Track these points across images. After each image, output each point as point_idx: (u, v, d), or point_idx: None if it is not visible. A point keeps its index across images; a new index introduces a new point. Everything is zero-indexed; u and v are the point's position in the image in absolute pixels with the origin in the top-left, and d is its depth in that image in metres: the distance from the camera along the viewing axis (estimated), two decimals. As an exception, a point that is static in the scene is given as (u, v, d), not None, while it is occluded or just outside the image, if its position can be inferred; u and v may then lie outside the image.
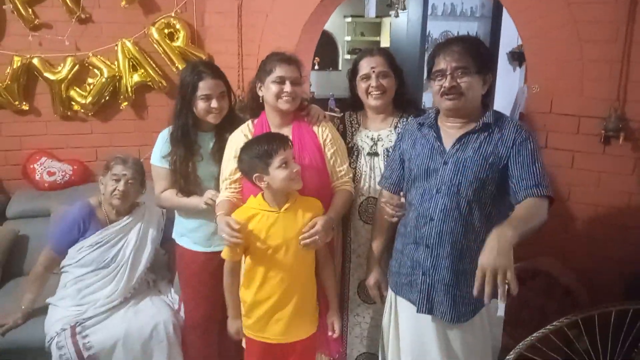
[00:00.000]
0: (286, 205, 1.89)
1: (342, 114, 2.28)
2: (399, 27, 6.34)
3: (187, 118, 2.17)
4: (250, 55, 3.31)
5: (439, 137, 1.77)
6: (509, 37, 5.84)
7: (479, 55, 1.70)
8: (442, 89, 1.71)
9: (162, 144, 2.25)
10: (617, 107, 2.36)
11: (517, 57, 5.77)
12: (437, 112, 1.84)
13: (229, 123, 2.19)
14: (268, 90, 1.98)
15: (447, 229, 1.71)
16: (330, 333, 2.02)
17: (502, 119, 1.74)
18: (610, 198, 2.46)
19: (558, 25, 2.45)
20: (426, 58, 2.54)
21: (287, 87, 1.95)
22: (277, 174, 1.83)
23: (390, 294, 1.96)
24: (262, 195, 1.92)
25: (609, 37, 2.35)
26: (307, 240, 1.85)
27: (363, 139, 2.16)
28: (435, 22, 6.02)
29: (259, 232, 1.88)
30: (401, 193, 1.92)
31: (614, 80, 2.36)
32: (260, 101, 2.05)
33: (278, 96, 1.96)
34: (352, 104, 2.24)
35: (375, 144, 2.13)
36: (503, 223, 1.51)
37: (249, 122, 2.11)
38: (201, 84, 2.14)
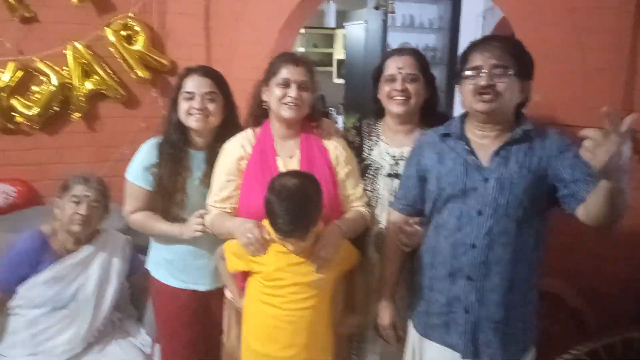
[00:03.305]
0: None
1: (358, 123, 2.01)
2: (354, 38, 6.25)
3: (175, 126, 1.88)
4: (220, 62, 3.00)
5: (472, 151, 1.55)
6: (467, 50, 5.86)
7: (520, 57, 1.50)
8: (477, 88, 1.50)
9: (144, 154, 1.92)
10: (622, 118, 2.26)
11: (475, 69, 5.78)
12: (462, 120, 1.63)
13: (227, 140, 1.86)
14: (271, 94, 1.73)
15: (494, 257, 1.49)
16: None
17: (541, 129, 1.56)
18: (617, 213, 2.35)
19: (560, 33, 2.33)
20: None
21: (292, 92, 1.70)
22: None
23: (413, 337, 1.71)
24: None
25: (613, 45, 2.25)
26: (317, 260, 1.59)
27: (383, 156, 1.91)
28: (393, 33, 5.96)
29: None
30: (416, 219, 1.69)
31: (618, 90, 2.26)
32: (264, 107, 1.79)
33: (281, 101, 1.71)
34: (374, 111, 1.99)
35: (397, 163, 1.87)
36: None
37: (249, 130, 1.83)
38: (186, 81, 1.86)
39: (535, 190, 1.49)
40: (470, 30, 5.79)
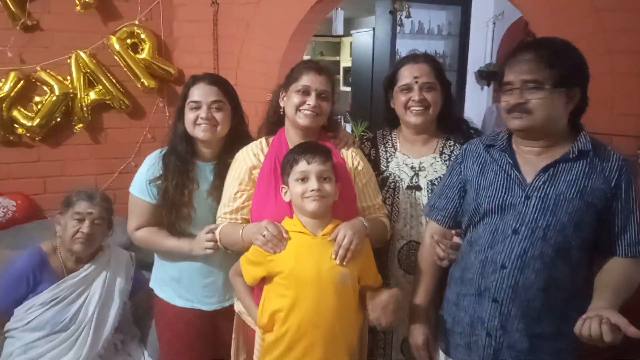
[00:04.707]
0: (324, 230, 1.51)
1: (371, 134, 1.90)
2: (361, 46, 6.18)
3: (181, 137, 1.78)
4: (229, 70, 2.93)
5: (515, 165, 1.43)
6: (477, 56, 5.77)
7: (559, 65, 1.35)
8: (508, 106, 1.39)
9: (148, 166, 1.81)
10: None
11: (485, 76, 5.70)
12: (510, 132, 1.50)
13: (237, 151, 1.76)
14: (289, 100, 1.64)
15: (525, 281, 1.36)
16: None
17: (601, 147, 1.41)
18: (649, 226, 2.21)
19: (585, 35, 2.21)
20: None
21: (311, 100, 1.60)
22: (292, 187, 1.54)
23: (440, 356, 1.59)
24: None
25: (643, 47, 2.13)
26: (341, 251, 1.46)
27: (401, 168, 1.80)
28: (402, 40, 5.87)
29: (286, 257, 1.49)
30: (454, 232, 1.57)
31: (649, 96, 2.14)
32: (282, 113, 1.70)
33: (298, 108, 1.62)
34: (387, 120, 1.89)
35: (417, 174, 1.77)
36: (601, 299, 1.30)
37: (263, 139, 1.74)
38: (192, 90, 1.76)
39: (582, 217, 1.35)
40: (480, 36, 5.71)
